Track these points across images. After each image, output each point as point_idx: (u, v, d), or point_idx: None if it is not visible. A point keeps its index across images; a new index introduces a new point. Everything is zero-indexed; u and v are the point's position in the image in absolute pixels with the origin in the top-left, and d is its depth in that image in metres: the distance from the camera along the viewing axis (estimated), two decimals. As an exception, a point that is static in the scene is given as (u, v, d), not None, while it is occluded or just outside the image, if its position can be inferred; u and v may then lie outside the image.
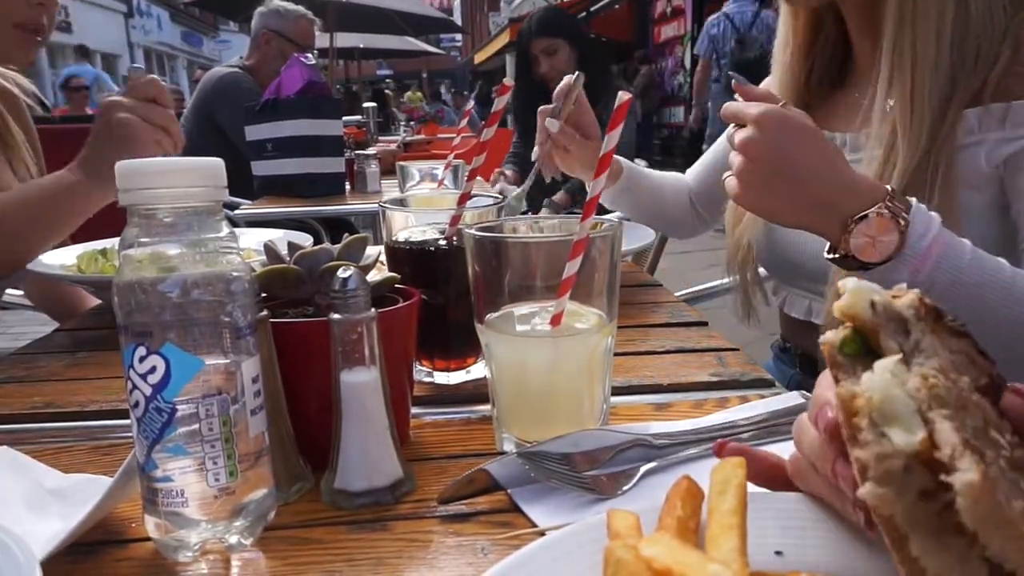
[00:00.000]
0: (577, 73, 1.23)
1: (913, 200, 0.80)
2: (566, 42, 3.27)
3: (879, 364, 0.34)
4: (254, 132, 2.75)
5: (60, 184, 1.15)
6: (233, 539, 0.52)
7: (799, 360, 1.28)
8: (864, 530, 0.39)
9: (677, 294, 1.27)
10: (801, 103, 1.17)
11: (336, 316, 0.56)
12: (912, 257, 0.78)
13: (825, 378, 0.41)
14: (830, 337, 0.39)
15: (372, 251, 0.71)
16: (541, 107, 1.27)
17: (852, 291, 0.38)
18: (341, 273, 0.56)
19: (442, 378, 0.83)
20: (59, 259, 1.24)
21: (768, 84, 1.23)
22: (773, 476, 0.45)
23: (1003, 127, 0.90)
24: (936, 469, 0.31)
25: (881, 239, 0.78)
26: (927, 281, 0.78)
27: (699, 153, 1.44)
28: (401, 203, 0.90)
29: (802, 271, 1.14)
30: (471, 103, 1.81)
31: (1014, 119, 0.89)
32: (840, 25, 1.14)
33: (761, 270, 1.26)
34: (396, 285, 0.69)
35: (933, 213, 0.81)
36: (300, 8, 3.51)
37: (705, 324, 1.03)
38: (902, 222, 0.78)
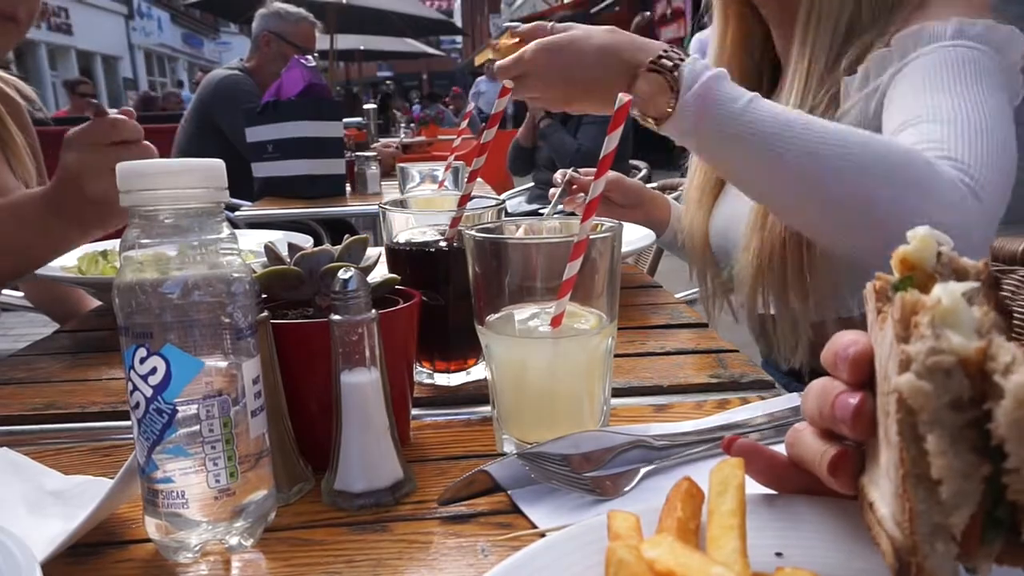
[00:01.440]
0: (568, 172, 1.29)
1: (688, 57, 0.87)
2: None
3: (949, 284, 0.34)
4: (255, 134, 2.75)
5: (26, 209, 1.06)
6: (233, 540, 0.52)
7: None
8: (828, 479, 0.39)
9: (677, 295, 1.27)
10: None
11: (336, 317, 0.56)
12: (685, 109, 0.85)
13: (816, 385, 0.41)
14: (886, 276, 0.38)
15: (372, 252, 0.71)
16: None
17: (921, 238, 0.38)
18: (341, 274, 0.56)
19: (442, 379, 0.83)
20: (60, 260, 1.24)
21: None
22: (779, 475, 0.45)
23: (887, 65, 0.98)
24: (979, 380, 0.31)
25: (656, 98, 0.87)
26: (702, 131, 0.86)
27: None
28: (401, 205, 0.90)
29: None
30: (471, 104, 1.82)
31: (899, 50, 0.97)
32: (767, 39, 1.20)
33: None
34: (396, 286, 0.69)
35: (706, 65, 0.86)
36: (301, 11, 3.51)
37: (705, 326, 1.03)
38: (669, 79, 0.85)
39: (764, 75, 1.25)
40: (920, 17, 0.98)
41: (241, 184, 2.79)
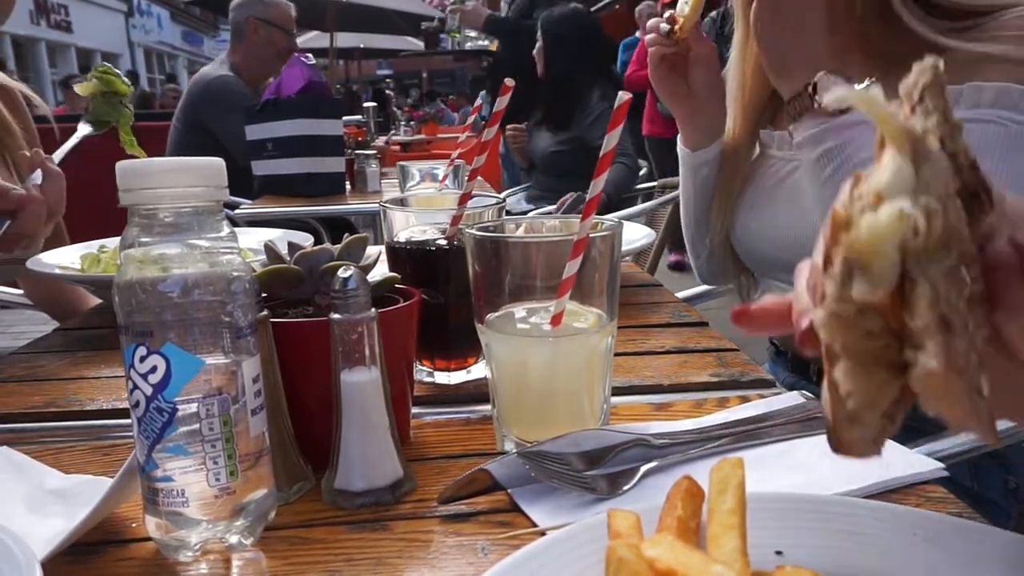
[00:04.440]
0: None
1: None
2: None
3: (887, 208, 0.31)
4: (254, 132, 2.76)
5: None
6: (233, 539, 0.52)
7: (792, 363, 1.29)
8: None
9: (677, 294, 1.27)
10: (771, 106, 1.21)
11: (336, 316, 0.56)
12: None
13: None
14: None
15: (372, 251, 0.71)
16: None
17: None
18: (341, 273, 0.56)
19: (442, 378, 0.83)
20: (59, 259, 1.24)
21: (731, 87, 1.26)
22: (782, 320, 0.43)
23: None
24: (890, 316, 0.31)
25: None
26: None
27: None
28: (402, 203, 0.90)
29: (770, 258, 1.16)
30: (479, 100, 1.81)
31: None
32: None
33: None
34: (396, 285, 0.69)
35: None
36: None
37: (705, 324, 1.03)
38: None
39: None
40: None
41: (233, 185, 2.79)
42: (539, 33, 3.41)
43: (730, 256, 1.31)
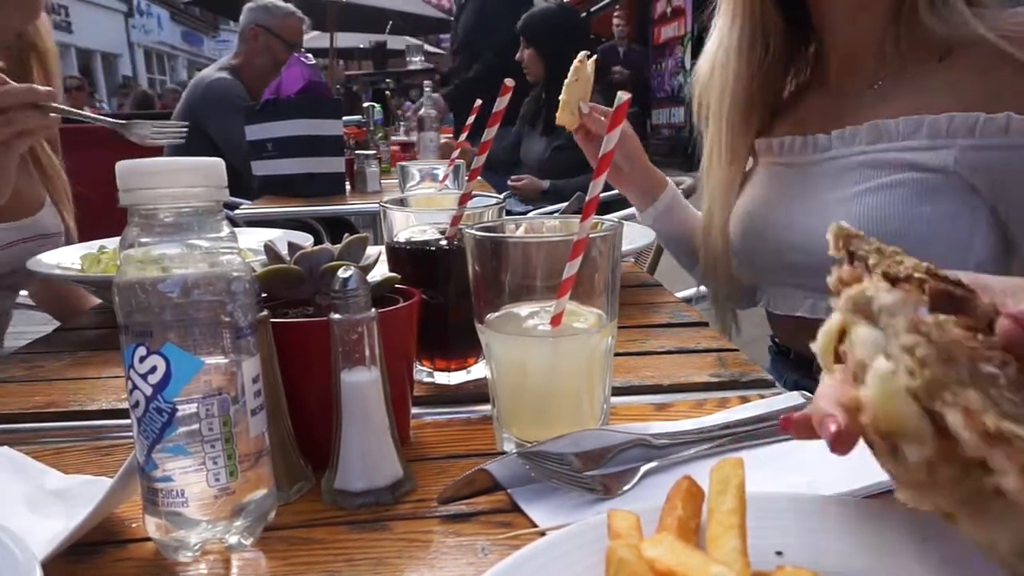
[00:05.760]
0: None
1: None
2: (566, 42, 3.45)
3: (871, 375, 0.31)
4: (254, 132, 2.76)
5: None
6: (233, 539, 0.52)
7: (795, 362, 1.29)
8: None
9: (677, 294, 1.27)
10: (769, 110, 1.23)
11: (336, 316, 0.56)
12: None
13: (823, 387, 0.40)
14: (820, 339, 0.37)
15: (372, 251, 0.71)
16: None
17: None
18: (341, 273, 0.56)
19: (442, 378, 0.83)
20: (60, 258, 1.24)
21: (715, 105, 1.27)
22: None
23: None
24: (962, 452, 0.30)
25: None
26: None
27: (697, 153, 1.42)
28: (402, 203, 0.90)
29: (782, 263, 1.15)
30: (478, 100, 1.80)
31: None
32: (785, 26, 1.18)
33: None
34: (396, 285, 0.69)
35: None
36: (289, 5, 3.51)
37: (705, 324, 1.03)
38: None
39: (791, 65, 1.24)
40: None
41: (229, 187, 2.79)
42: (527, 37, 3.46)
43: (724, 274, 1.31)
